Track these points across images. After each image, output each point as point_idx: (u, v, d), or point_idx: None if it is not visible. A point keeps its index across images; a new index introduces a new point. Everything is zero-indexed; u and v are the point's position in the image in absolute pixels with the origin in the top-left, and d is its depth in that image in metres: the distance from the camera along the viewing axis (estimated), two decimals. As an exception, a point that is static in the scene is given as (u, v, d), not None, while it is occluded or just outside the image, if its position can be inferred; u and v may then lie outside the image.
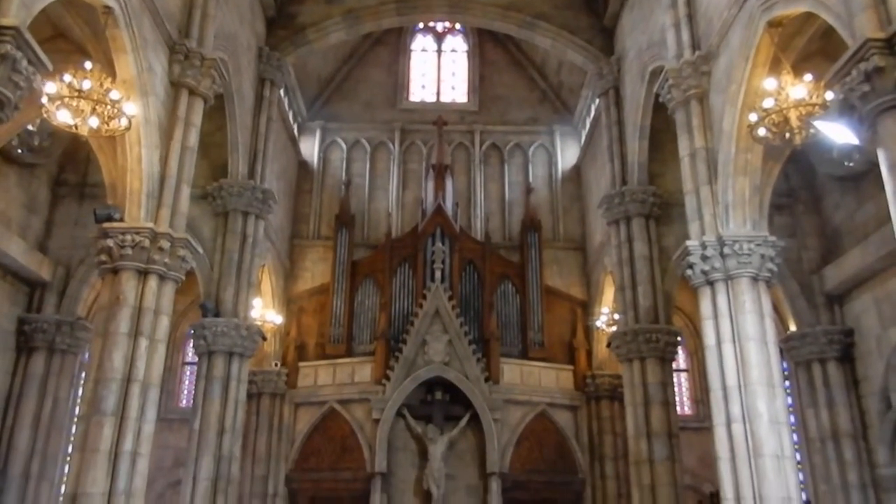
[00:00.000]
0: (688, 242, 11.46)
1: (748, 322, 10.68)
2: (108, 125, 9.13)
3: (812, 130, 9.14)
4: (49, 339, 15.31)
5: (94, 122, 8.97)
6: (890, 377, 13.39)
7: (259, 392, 18.85)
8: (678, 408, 16.58)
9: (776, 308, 13.87)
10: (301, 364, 19.67)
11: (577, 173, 22.52)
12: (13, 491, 14.30)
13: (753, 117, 9.33)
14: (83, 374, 16.07)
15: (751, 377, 10.37)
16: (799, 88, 8.91)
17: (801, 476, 14.83)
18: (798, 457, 14.47)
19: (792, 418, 15.91)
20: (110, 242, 10.85)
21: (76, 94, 8.75)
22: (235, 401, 14.82)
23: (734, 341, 10.71)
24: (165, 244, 11.15)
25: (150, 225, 11.09)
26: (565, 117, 23.12)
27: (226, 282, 15.41)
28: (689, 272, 11.45)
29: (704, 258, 11.15)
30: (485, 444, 18.03)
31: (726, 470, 10.37)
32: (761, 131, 9.29)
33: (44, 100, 8.76)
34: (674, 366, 16.39)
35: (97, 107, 8.92)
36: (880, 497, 13.69)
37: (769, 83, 9.16)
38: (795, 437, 15.35)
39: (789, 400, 16.20)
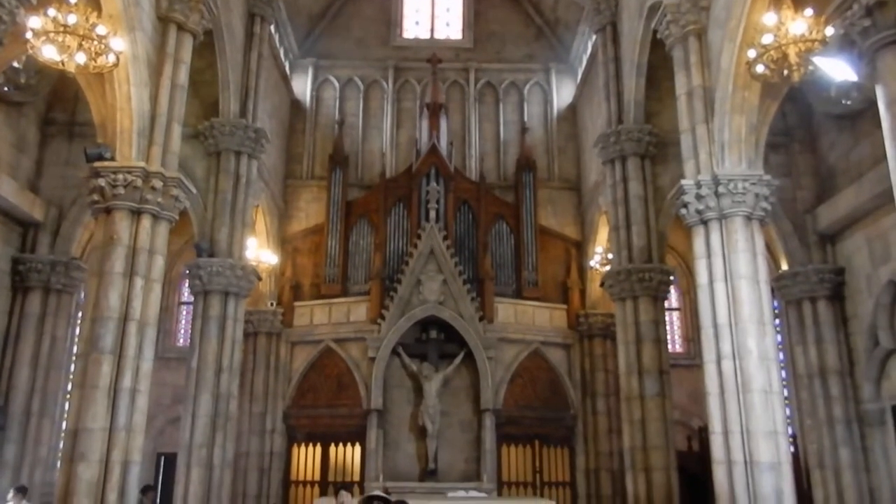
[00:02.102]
0: (682, 181, 11.42)
1: (741, 261, 10.72)
2: (95, 62, 8.94)
3: (811, 67, 9.03)
4: (44, 279, 15.31)
5: (80, 58, 8.79)
6: (878, 315, 13.53)
7: (255, 331, 18.99)
8: (669, 346, 16.78)
9: (769, 247, 13.91)
10: (297, 304, 19.77)
11: (572, 112, 22.29)
12: (15, 427, 14.51)
13: (752, 54, 9.19)
14: (80, 314, 16.15)
15: (742, 315, 10.46)
16: (799, 23, 8.76)
17: (787, 411, 15.09)
18: (785, 392, 14.69)
19: (781, 355, 16.17)
20: (102, 182, 10.76)
21: (62, 28, 8.54)
22: (232, 340, 14.94)
23: (726, 280, 10.76)
24: (158, 183, 11.06)
25: (142, 164, 10.98)
26: (561, 55, 22.77)
27: (220, 222, 15.37)
28: (683, 211, 11.43)
29: (699, 197, 11.12)
30: (479, 382, 18.29)
31: (715, 405, 10.54)
32: (759, 68, 9.17)
33: (28, 35, 8.56)
34: (666, 305, 16.55)
35: (83, 42, 8.72)
36: (864, 431, 13.99)
37: (769, 18, 9.00)
38: (784, 374, 15.59)
39: (779, 337, 16.41)
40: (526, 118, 22.27)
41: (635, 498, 14.36)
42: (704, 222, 11.17)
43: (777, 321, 16.28)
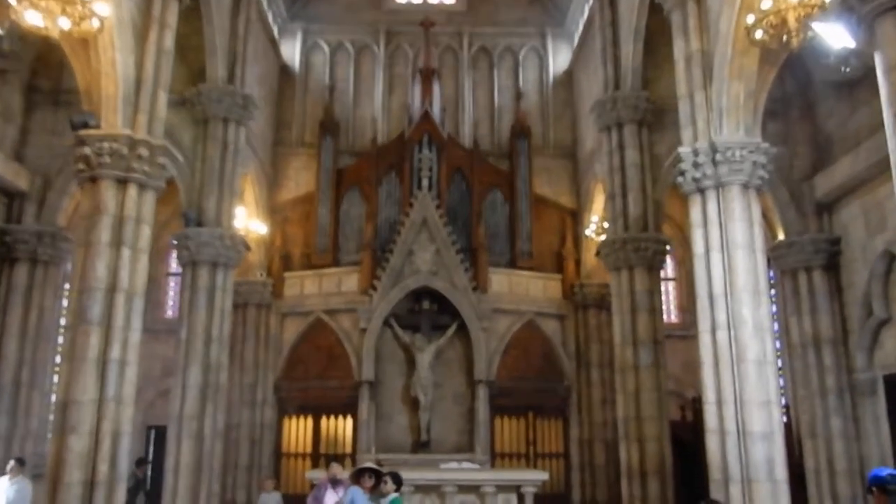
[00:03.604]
0: (680, 149, 11.46)
1: (737, 230, 10.80)
2: (79, 27, 8.89)
3: (809, 33, 9.04)
4: (31, 249, 15.32)
5: (64, 23, 8.74)
6: (873, 284, 13.69)
7: (245, 302, 19.10)
8: (665, 316, 16.94)
9: (765, 216, 14.01)
10: (287, 274, 19.86)
11: (568, 78, 22.20)
12: (5, 399, 14.62)
13: (751, 19, 9.19)
14: (67, 285, 16.22)
15: (737, 285, 10.58)
16: (797, -11, 8.75)
17: (781, 381, 15.30)
18: (779, 362, 14.89)
19: (775, 325, 16.38)
20: (87, 150, 10.74)
21: (45, -7, 8.49)
22: (221, 311, 15.04)
23: (722, 249, 10.85)
24: (144, 151, 11.02)
25: (128, 132, 10.95)
26: (558, 19, 22.62)
27: (208, 191, 15.38)
28: (680, 179, 11.48)
29: (696, 165, 11.16)
30: (472, 353, 18.48)
31: (709, 375, 10.70)
32: (758, 33, 9.17)
33: (11, 0, 8.51)
34: (662, 274, 16.69)
35: (67, 7, 8.67)
36: (856, 401, 14.23)
37: (767, -18, 8.98)
38: (777, 344, 15.81)
39: (774, 307, 16.61)
40: (521, 84, 22.20)
41: (628, 467, 14.63)
42: (701, 191, 11.21)
43: (772, 291, 16.46)
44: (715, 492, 10.37)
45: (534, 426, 19.22)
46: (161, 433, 17.08)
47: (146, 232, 11.23)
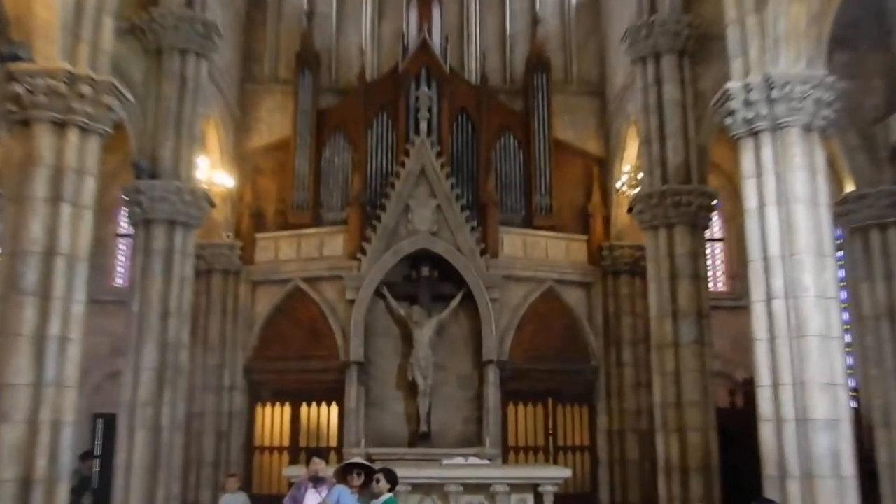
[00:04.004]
0: (728, 84, 11.38)
1: (797, 180, 10.77)
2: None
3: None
4: (-49, 205, 15.34)
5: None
6: (963, 244, 13.67)
7: (209, 268, 19.17)
8: (710, 283, 16.96)
9: (831, 164, 13.92)
10: (258, 235, 19.88)
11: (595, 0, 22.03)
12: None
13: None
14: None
15: (797, 245, 10.57)
16: None
17: (849, 359, 15.33)
18: (847, 337, 14.90)
19: (843, 293, 16.37)
20: (19, 88, 10.65)
21: None
22: (180, 278, 15.06)
23: (779, 203, 10.82)
24: (86, 89, 10.95)
25: (67, 66, 10.86)
26: (582, -74, 22.37)
27: (163, 136, 15.31)
28: (728, 121, 11.42)
29: (748, 103, 11.10)
30: (480, 329, 18.54)
31: (763, 352, 10.73)
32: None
33: None
34: (707, 234, 16.67)
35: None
36: (940, 383, 14.31)
37: None
38: (845, 315, 15.80)
39: (840, 272, 16.59)
40: (538, 7, 21.96)
41: (667, 462, 14.72)
42: (754, 134, 11.17)
43: (839, 252, 16.42)
44: (769, 490, 10.46)
45: (553, 414, 19.38)
46: (110, 423, 17.18)
47: (90, 185, 11.18)
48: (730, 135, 11.62)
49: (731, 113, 11.31)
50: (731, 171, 18.84)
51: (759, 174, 11.10)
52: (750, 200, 11.17)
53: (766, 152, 11.04)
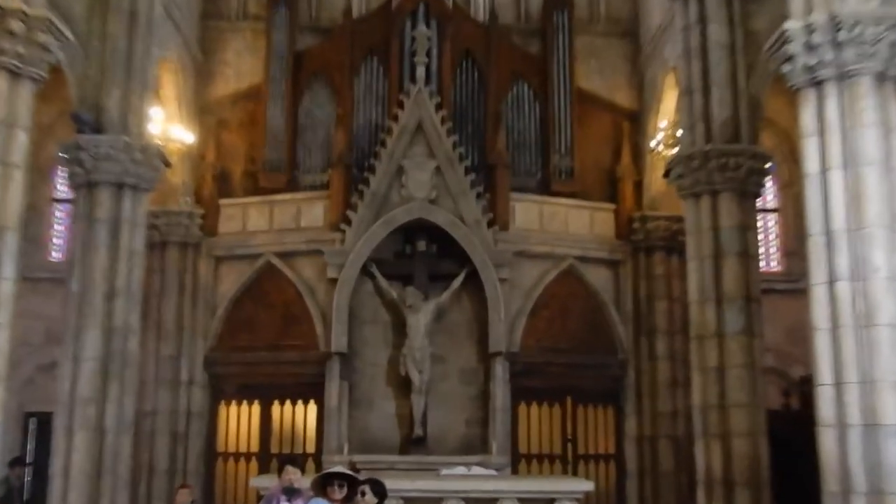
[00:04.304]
0: (786, 25, 11.31)
1: (867, 139, 10.72)
2: None
3: None
4: None
5: None
6: None
7: (164, 240, 19.19)
8: (761, 262, 16.92)
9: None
10: (223, 202, 19.88)
11: (627, -81, 21.87)
12: None
13: None
14: None
15: (866, 217, 10.52)
16: None
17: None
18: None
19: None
20: (-66, 23, 10.63)
21: None
22: (129, 252, 15.01)
23: (846, 167, 10.77)
24: (16, 26, 10.91)
25: (-8, -3, 10.83)
26: None
27: (109, 82, 15.22)
28: (786, 68, 11.36)
29: (810, 47, 11.04)
30: (486, 315, 18.53)
31: (824, 344, 10.70)
32: None
33: None
34: (759, 204, 16.60)
35: None
36: None
37: None
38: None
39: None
40: (558, -71, 21.82)
41: (707, 474, 14.73)
42: (817, 84, 11.10)
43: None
44: (829, 508, 10.49)
45: (573, 417, 19.42)
46: (45, 423, 17.24)
47: (21, 140, 11.16)
48: (787, 85, 11.55)
49: (790, 59, 11.24)
50: (789, 129, 18.79)
51: (821, 132, 11.03)
52: (810, 163, 11.11)
53: (831, 106, 10.97)
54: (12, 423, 18.20)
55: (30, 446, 19.65)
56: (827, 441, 10.66)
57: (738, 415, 14.48)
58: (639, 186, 20.31)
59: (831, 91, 11.01)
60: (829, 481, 10.61)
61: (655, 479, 19.26)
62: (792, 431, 16.19)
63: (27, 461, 17.22)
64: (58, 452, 14.41)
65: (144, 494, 18.31)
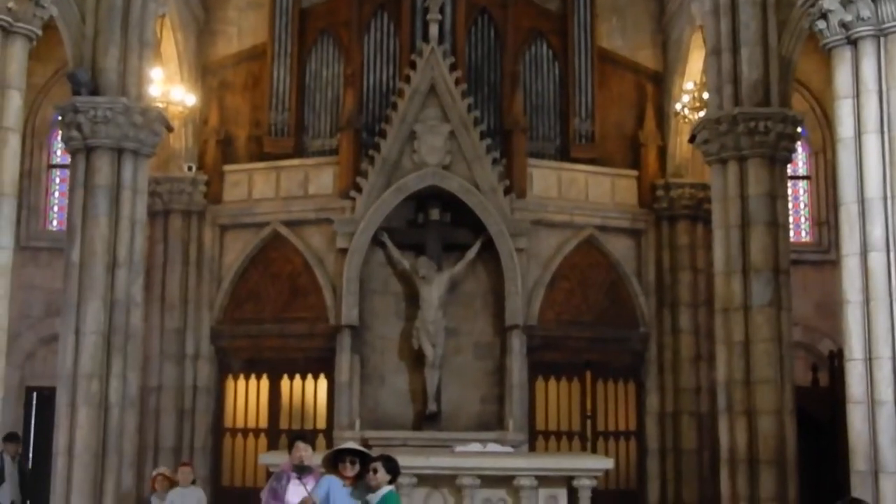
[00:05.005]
0: (820, -23, 11.24)
1: (906, 101, 10.67)
2: None
3: None
4: None
5: None
6: None
7: (166, 209, 19.21)
8: (791, 232, 16.86)
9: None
10: (227, 168, 19.86)
11: None
12: None
13: None
14: None
15: (903, 184, 10.49)
16: None
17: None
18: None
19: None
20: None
21: None
22: (131, 221, 15.02)
23: (882, 131, 10.71)
24: (8, -21, 10.90)
25: (-18, -53, 10.80)
26: None
27: (106, 40, 15.15)
28: (820, 25, 11.30)
29: (846, 3, 10.95)
30: (502, 286, 18.51)
31: (855, 318, 10.68)
32: None
33: None
34: (789, 170, 16.53)
35: None
36: None
37: None
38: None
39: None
40: None
41: (731, 453, 14.76)
42: (853, 42, 11.03)
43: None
44: (859, 487, 10.49)
45: (592, 392, 19.45)
46: (47, 397, 17.35)
47: (15, 102, 11.15)
48: (821, 43, 11.49)
49: (824, 15, 11.16)
50: (821, 91, 18.73)
51: (857, 93, 10.97)
52: (844, 127, 11.06)
53: (868, 65, 10.90)
54: (13, 398, 18.39)
55: (32, 422, 19.77)
56: (856, 419, 10.67)
57: (764, 391, 14.49)
58: (663, 152, 20.22)
59: (868, 50, 10.93)
60: (858, 460, 10.62)
61: (677, 456, 19.29)
62: (820, 409, 16.24)
63: (25, 437, 17.31)
64: (61, 429, 14.50)
65: (150, 473, 18.39)
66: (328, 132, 19.64)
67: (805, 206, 21.73)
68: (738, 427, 14.70)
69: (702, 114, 16.71)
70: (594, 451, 18.74)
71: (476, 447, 14.65)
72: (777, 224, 14.88)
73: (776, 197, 15.02)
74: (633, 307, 19.80)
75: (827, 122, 19.31)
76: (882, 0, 10.71)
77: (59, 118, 15.31)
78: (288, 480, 9.73)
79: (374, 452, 9.27)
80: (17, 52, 11.17)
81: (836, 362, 15.33)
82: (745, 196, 14.98)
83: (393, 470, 8.64)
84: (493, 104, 19.54)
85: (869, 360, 10.53)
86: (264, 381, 19.27)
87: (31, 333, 19.49)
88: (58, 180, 21.45)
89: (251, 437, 19.18)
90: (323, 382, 18.92)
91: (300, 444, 9.91)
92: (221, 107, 20.25)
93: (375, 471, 8.52)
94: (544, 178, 19.43)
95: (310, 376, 19.07)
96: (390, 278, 18.96)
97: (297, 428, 18.32)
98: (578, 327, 19.26)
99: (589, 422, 19.36)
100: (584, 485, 13.15)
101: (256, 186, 19.69)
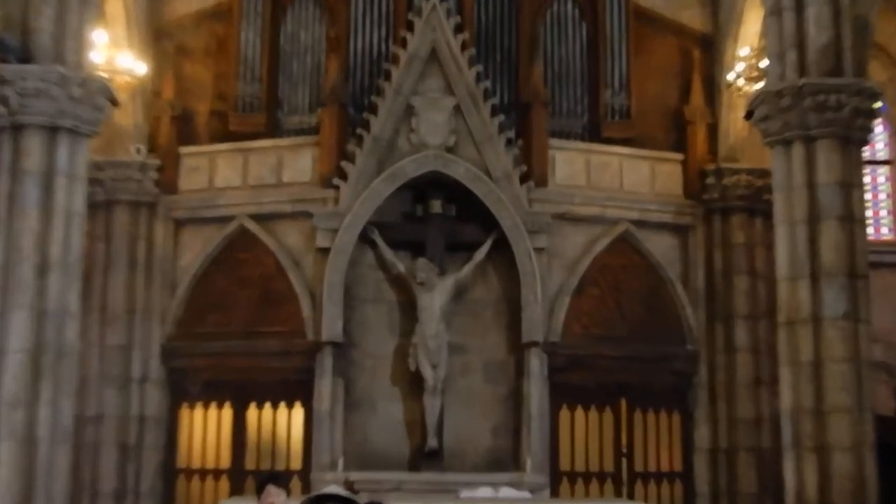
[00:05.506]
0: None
1: None
2: None
3: None
4: None
5: None
6: None
7: (110, 199, 19.27)
8: (870, 228, 16.82)
9: None
10: (185, 150, 19.96)
11: None
12: None
13: None
14: None
15: None
16: None
17: None
18: None
19: None
20: None
21: None
22: (66, 213, 14.96)
23: (980, 105, 10.72)
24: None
25: None
26: None
27: (38, -1, 15.24)
28: (904, -24, 11.30)
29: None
30: (519, 293, 18.53)
31: (950, 335, 10.68)
32: None
33: None
34: (866, 154, 16.51)
35: None
36: None
37: None
38: None
39: None
40: None
41: (799, 497, 14.61)
42: (944, -4, 11.05)
43: None
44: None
45: (629, 424, 19.45)
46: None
47: (-74, 69, 11.17)
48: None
49: (909, -35, 11.17)
50: (905, 58, 18.69)
51: (949, 60, 10.97)
52: (934, 100, 11.05)
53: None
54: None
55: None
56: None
57: (839, 422, 14.42)
58: (713, 131, 20.26)
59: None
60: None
61: (733, 502, 19.27)
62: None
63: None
64: (-23, 465, 14.52)
65: (87, 521, 18.48)
66: (307, 107, 19.73)
67: (886, 196, 21.71)
68: (807, 466, 14.60)
69: (760, 85, 16.71)
70: (631, 496, 18.76)
71: (486, 492, 14.71)
72: (852, 218, 14.83)
73: (851, 186, 14.97)
74: (679, 319, 19.79)
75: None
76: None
77: (-20, 90, 15.33)
78: (255, 533, 9.73)
79: (362, 499, 9.25)
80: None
81: (924, 387, 15.33)
82: (814, 184, 14.93)
83: (383, 520, 8.63)
84: (508, 73, 19.64)
85: (964, 384, 10.53)
86: (227, 411, 19.25)
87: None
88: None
89: (210, 479, 19.18)
90: (299, 412, 18.89)
91: (271, 489, 9.88)
92: (178, 77, 20.31)
93: (362, 520, 8.51)
94: (569, 162, 19.49)
95: (283, 404, 19.04)
96: (382, 284, 18.99)
97: (268, 468, 18.44)
98: (611, 344, 19.23)
99: (624, 461, 19.32)
100: (619, 539, 13.20)
101: (220, 172, 19.74)
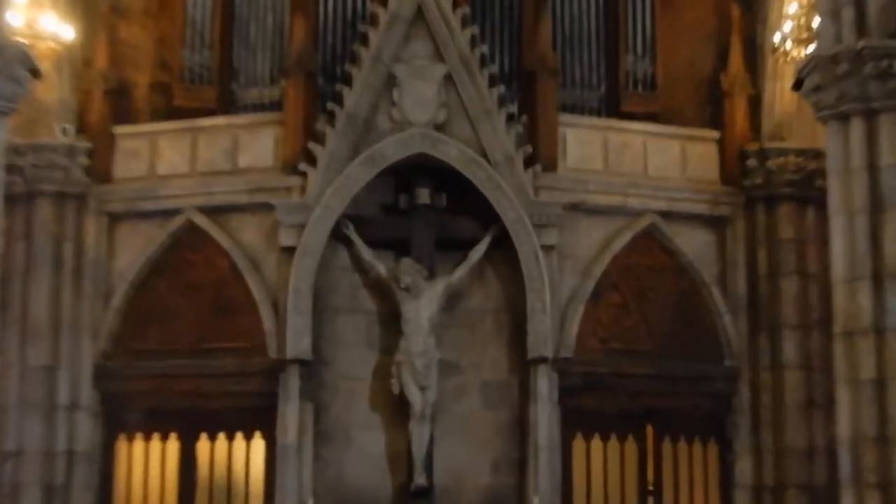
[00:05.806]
0: None
1: None
2: None
3: None
4: None
5: None
6: None
7: (31, 190, 19.19)
8: (944, 219, 16.91)
9: None
10: (120, 130, 19.95)
11: None
12: None
13: None
14: None
15: None
16: None
17: None
18: None
19: None
20: None
21: None
22: (-23, 207, 15.07)
23: None
24: None
25: None
26: None
27: (-58, -56, 15.26)
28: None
29: None
30: (524, 300, 18.55)
31: None
32: None
33: None
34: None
35: None
36: None
37: None
38: None
39: None
40: None
41: (858, 546, 14.78)
42: None
43: None
44: None
45: (656, 456, 19.47)
46: None
47: None
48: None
49: None
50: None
51: None
52: None
53: None
54: None
55: None
56: None
57: (907, 453, 14.52)
58: (755, 104, 20.28)
59: None
60: None
61: (781, 550, 19.37)
62: None
63: None
64: None
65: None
66: (268, 78, 19.81)
67: (964, 181, 21.84)
68: (868, 504, 14.74)
69: (811, 48, 16.73)
70: (660, 544, 18.81)
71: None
72: (923, 207, 14.92)
73: (922, 168, 15.06)
74: (715, 330, 19.83)
75: None
76: None
77: None
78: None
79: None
80: None
81: None
82: (876, 167, 14.91)
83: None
84: (509, 36, 19.73)
85: None
86: (173, 444, 19.21)
87: None
88: None
89: (153, 528, 19.23)
90: (259, 444, 18.87)
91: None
92: (113, 42, 20.33)
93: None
94: (584, 141, 19.53)
95: (240, 435, 19.01)
96: (359, 291, 19.02)
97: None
98: (635, 360, 19.26)
99: (651, 500, 19.37)
100: None
101: (163, 157, 19.72)
